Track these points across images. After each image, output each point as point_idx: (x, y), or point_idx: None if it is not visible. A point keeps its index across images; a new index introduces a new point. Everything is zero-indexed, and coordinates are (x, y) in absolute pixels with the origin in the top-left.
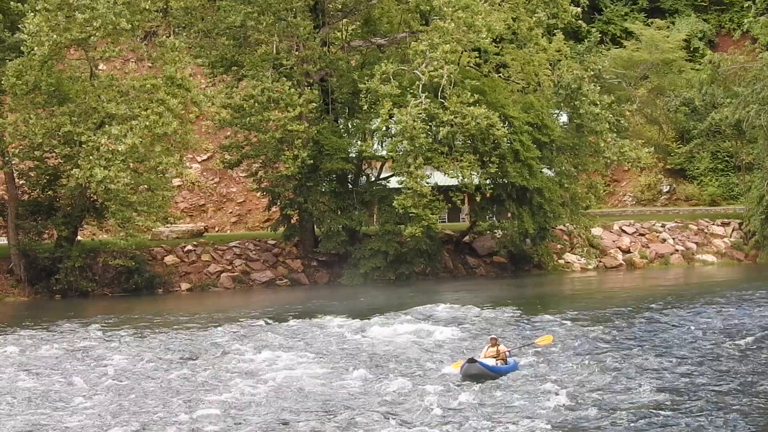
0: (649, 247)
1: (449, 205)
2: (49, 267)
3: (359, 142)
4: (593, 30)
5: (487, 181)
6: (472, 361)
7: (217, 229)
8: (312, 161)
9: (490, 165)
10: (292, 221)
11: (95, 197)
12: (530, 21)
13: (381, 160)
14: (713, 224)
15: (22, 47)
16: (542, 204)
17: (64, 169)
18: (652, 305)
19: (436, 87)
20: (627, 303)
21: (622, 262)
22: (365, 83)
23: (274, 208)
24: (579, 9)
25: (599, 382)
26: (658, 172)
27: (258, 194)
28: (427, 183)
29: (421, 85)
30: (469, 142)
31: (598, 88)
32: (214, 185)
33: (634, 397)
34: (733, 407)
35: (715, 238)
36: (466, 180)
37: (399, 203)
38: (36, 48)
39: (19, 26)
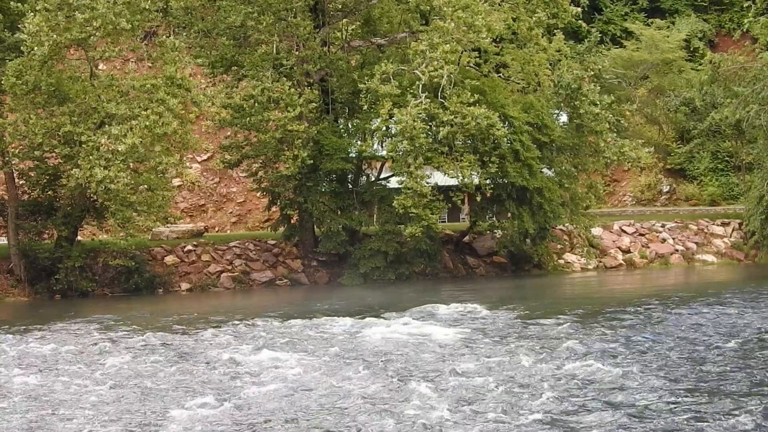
0: (649, 247)
1: (449, 205)
2: (49, 267)
3: (359, 142)
4: (593, 30)
5: (487, 181)
6: None
7: (217, 229)
8: (312, 161)
9: (490, 165)
10: (292, 221)
11: (95, 197)
12: (530, 21)
13: (381, 160)
14: (713, 224)
15: (22, 47)
16: (542, 204)
17: (64, 169)
18: (653, 305)
19: (436, 87)
20: (627, 303)
21: (622, 262)
22: (365, 83)
23: (274, 208)
24: (579, 9)
25: (599, 381)
26: (658, 172)
27: (258, 194)
28: (427, 183)
29: (421, 85)
30: (469, 142)
31: (598, 88)
32: (214, 185)
33: (634, 396)
34: (734, 407)
35: (715, 238)
36: (466, 180)
37: (399, 203)
38: (36, 48)
39: (19, 26)
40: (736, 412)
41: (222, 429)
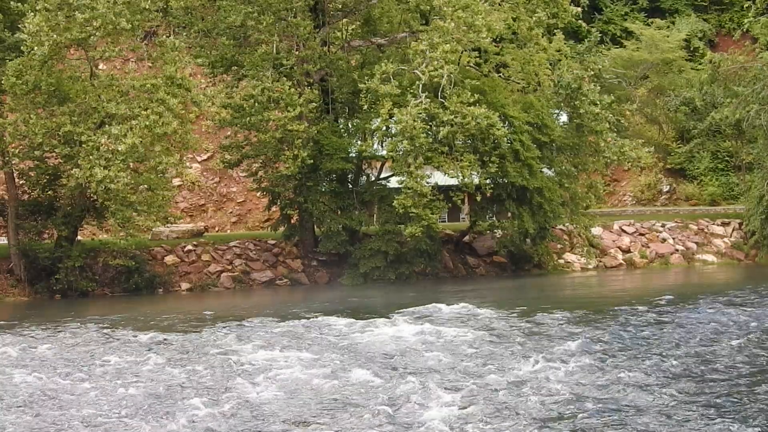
0: (649, 247)
1: (449, 205)
2: (49, 267)
3: (359, 142)
4: (593, 30)
5: (487, 181)
6: None
7: (217, 229)
8: (312, 161)
9: (490, 165)
10: (292, 221)
11: (95, 197)
12: (530, 21)
13: (381, 160)
14: (713, 224)
15: (22, 47)
16: (542, 204)
17: (64, 169)
18: (653, 305)
19: (436, 87)
20: (627, 303)
21: (622, 262)
22: (365, 83)
23: (274, 208)
24: (579, 9)
25: (600, 381)
26: (658, 172)
27: (258, 194)
28: (427, 183)
29: (421, 85)
30: (469, 141)
31: (598, 87)
32: (214, 185)
33: (634, 396)
34: (734, 408)
35: (715, 238)
36: (466, 180)
37: (399, 203)
38: (36, 48)
39: (19, 26)
40: (737, 413)
41: (222, 429)
